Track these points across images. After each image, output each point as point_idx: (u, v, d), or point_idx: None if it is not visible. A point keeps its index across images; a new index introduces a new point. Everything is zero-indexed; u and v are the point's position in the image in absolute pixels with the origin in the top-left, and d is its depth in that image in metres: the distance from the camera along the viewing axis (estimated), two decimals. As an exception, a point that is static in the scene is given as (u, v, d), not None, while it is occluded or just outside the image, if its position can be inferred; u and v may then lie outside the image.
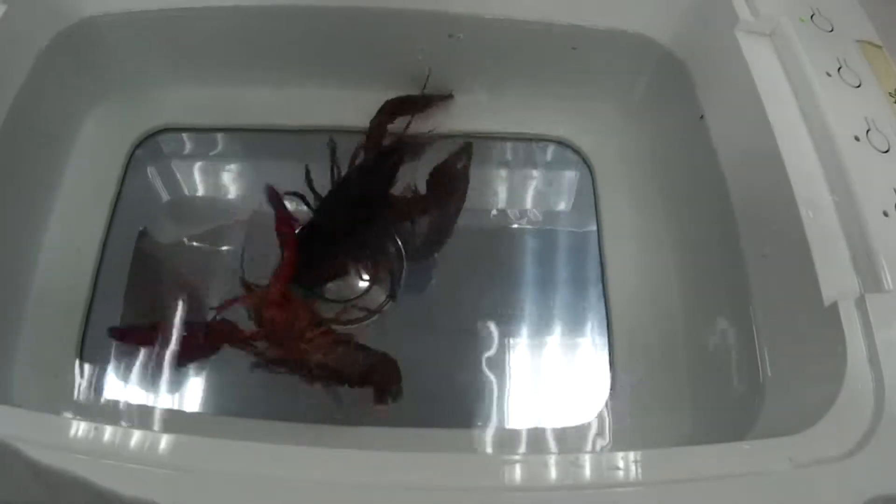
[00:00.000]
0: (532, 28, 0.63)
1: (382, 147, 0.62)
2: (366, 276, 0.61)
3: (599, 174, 0.68)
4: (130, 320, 0.59)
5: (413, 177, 0.62)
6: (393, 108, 0.65)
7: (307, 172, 0.61)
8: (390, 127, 0.65)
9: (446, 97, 0.68)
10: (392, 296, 0.60)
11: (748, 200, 0.52)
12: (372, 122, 0.64)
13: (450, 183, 0.62)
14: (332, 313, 0.58)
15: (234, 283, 0.59)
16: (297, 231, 0.60)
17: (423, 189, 0.61)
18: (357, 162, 0.62)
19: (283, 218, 0.60)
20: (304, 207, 0.60)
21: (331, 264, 0.60)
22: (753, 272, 0.51)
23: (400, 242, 0.63)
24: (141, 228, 0.63)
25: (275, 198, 0.61)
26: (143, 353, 0.57)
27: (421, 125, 0.66)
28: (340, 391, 0.54)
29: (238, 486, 0.34)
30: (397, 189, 0.61)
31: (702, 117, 0.55)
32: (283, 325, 0.54)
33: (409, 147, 0.62)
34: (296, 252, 0.57)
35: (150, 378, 0.56)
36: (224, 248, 0.63)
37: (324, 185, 0.61)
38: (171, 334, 0.58)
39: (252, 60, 0.68)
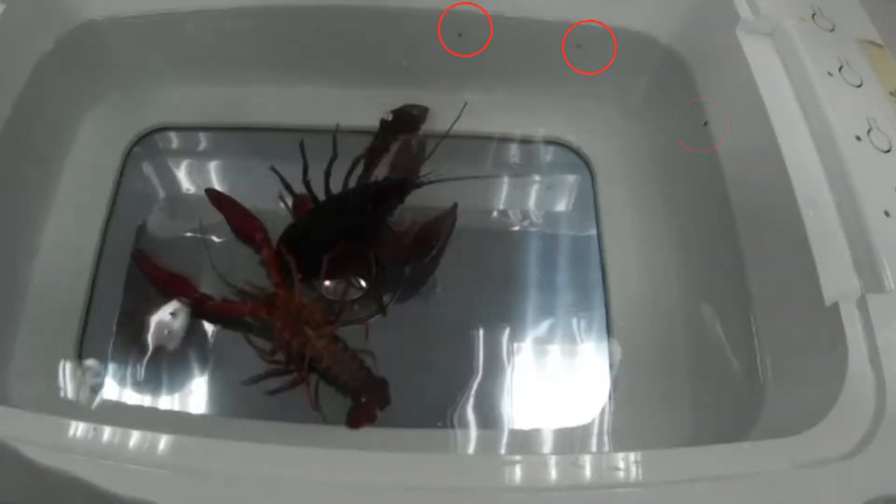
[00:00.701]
0: (534, 26, 0.63)
1: (383, 183, 0.62)
2: (360, 281, 0.62)
3: (599, 174, 0.68)
4: (129, 319, 0.59)
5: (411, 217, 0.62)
6: (392, 128, 0.65)
7: (305, 171, 0.61)
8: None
9: (425, 112, 0.68)
10: (381, 310, 0.60)
11: (749, 200, 0.52)
12: (374, 139, 0.64)
13: (429, 243, 0.61)
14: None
15: (233, 279, 0.60)
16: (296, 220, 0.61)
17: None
18: (354, 181, 0.62)
19: (242, 218, 0.61)
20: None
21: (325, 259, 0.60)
22: (754, 272, 0.50)
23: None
24: (139, 224, 0.63)
25: (223, 202, 0.62)
26: (144, 345, 0.57)
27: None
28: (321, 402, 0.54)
29: (238, 487, 0.34)
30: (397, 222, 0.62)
31: (706, 123, 0.55)
32: (294, 308, 0.55)
33: (417, 186, 0.61)
34: (272, 248, 0.59)
35: (150, 378, 0.56)
36: (220, 246, 0.63)
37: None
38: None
39: (251, 60, 0.68)
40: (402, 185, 0.60)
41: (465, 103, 0.63)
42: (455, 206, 0.61)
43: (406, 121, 0.67)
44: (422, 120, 0.67)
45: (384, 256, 0.62)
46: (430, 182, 0.60)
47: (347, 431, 0.53)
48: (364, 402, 0.54)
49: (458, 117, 0.62)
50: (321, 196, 0.61)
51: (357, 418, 0.54)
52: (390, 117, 0.66)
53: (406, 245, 0.60)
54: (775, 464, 0.35)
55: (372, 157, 0.64)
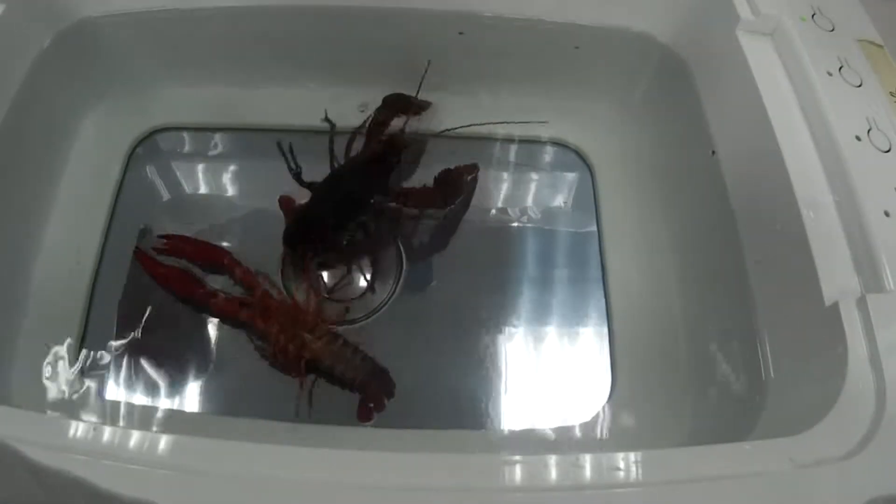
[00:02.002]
0: (534, 26, 0.63)
1: (381, 142, 0.62)
2: (365, 272, 0.62)
3: (599, 174, 0.68)
4: (129, 319, 0.59)
5: (416, 177, 0.62)
6: (393, 105, 0.65)
7: (290, 150, 0.62)
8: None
9: (428, 104, 0.68)
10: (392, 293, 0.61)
11: (749, 200, 0.52)
12: (374, 114, 0.65)
13: (455, 184, 0.62)
14: (334, 313, 0.58)
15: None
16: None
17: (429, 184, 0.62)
18: (353, 154, 0.62)
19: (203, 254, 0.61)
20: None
21: (328, 251, 0.60)
22: (754, 272, 0.50)
23: (399, 243, 0.63)
24: (141, 226, 0.63)
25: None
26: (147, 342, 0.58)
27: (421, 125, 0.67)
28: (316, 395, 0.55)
29: (238, 487, 0.34)
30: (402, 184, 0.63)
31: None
32: (287, 313, 0.55)
33: (407, 144, 0.62)
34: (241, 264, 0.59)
35: (150, 378, 0.56)
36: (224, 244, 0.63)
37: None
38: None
39: (253, 60, 0.68)
40: (394, 141, 0.61)
41: (428, 62, 0.64)
42: (476, 165, 0.62)
43: (408, 103, 0.67)
44: (423, 107, 0.67)
45: (411, 209, 0.62)
46: (421, 137, 0.61)
47: (347, 431, 0.54)
48: (371, 393, 0.55)
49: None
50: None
51: (366, 410, 0.54)
52: (393, 96, 0.66)
53: (430, 191, 0.61)
54: (775, 464, 0.35)
55: (372, 131, 0.64)
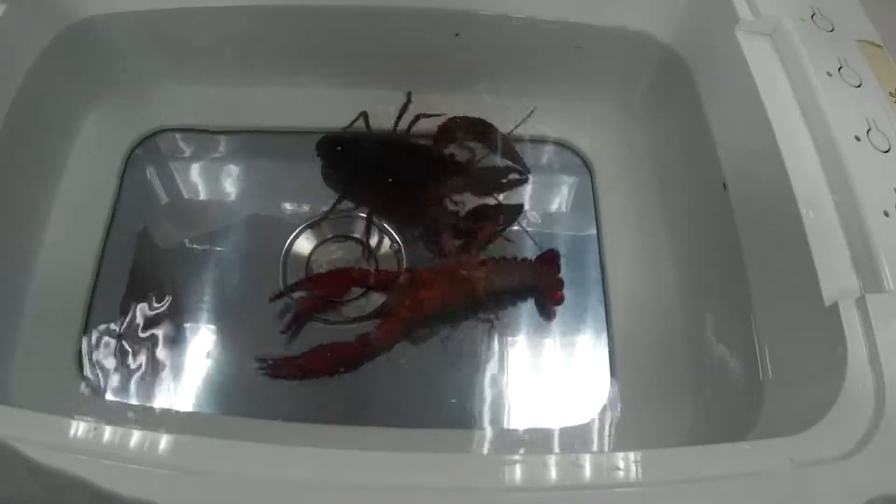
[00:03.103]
0: (534, 27, 0.63)
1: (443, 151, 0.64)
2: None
3: (599, 174, 0.68)
4: (129, 320, 0.59)
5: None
6: (472, 129, 0.66)
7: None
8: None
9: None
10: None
11: (748, 200, 0.52)
12: (454, 118, 0.66)
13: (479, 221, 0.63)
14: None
15: (234, 281, 0.60)
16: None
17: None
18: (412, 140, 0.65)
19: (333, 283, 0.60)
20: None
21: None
22: (753, 272, 0.51)
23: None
24: (140, 227, 0.63)
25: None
26: (149, 351, 0.57)
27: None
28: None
29: (238, 487, 0.34)
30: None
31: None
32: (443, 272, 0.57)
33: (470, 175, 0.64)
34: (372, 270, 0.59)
35: (150, 378, 0.56)
36: (222, 248, 0.63)
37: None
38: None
39: (253, 60, 0.68)
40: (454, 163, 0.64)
41: (534, 108, 0.67)
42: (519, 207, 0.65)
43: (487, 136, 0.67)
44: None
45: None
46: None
47: (347, 430, 0.54)
48: (545, 287, 0.59)
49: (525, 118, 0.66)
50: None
51: (548, 310, 0.59)
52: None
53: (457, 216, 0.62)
54: (775, 463, 0.36)
55: (443, 129, 0.65)
